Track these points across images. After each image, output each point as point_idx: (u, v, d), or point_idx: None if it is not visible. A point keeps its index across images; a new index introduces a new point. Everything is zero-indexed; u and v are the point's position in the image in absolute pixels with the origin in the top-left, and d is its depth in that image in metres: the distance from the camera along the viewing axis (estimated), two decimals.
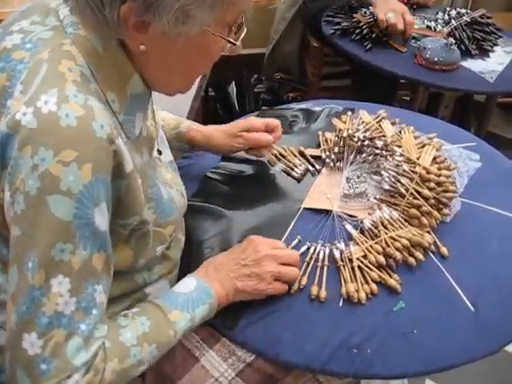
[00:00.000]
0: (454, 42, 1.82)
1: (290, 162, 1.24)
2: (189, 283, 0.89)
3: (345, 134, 1.21)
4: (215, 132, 1.20)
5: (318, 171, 1.22)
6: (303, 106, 1.45)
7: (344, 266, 0.99)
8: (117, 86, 0.77)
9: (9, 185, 0.69)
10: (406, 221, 1.07)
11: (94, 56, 0.75)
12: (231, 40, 0.80)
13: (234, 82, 2.54)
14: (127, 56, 0.78)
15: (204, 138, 1.19)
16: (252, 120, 1.21)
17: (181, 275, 0.95)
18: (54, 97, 0.69)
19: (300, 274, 0.98)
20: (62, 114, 0.68)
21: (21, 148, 0.67)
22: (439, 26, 1.97)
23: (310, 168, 1.23)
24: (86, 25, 0.76)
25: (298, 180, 1.20)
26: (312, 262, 1.00)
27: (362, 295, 0.94)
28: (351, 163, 1.20)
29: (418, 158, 1.13)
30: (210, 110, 2.47)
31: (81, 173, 0.68)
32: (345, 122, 1.29)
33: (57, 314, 0.69)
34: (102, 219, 0.72)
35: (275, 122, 1.21)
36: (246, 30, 0.82)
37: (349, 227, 1.06)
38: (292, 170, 1.22)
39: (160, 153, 0.97)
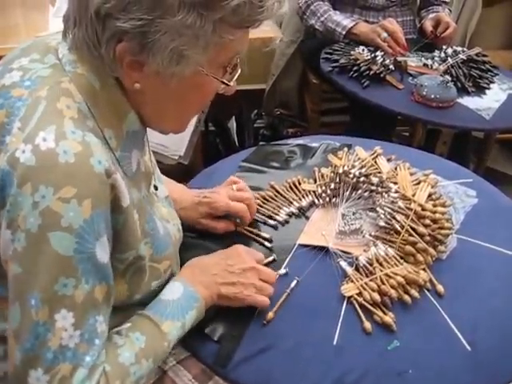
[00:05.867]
0: (450, 79, 1.85)
1: (269, 210, 1.19)
2: (176, 289, 0.90)
3: (340, 171, 1.22)
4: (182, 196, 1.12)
5: (316, 206, 1.22)
6: (300, 141, 1.45)
7: None
8: (113, 123, 0.78)
9: (7, 222, 0.70)
10: (401, 258, 1.06)
11: (91, 93, 0.76)
12: (225, 81, 0.80)
13: (234, 118, 2.56)
14: (124, 94, 0.79)
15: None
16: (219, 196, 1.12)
17: None
18: (52, 134, 0.70)
19: None
20: (60, 151, 0.69)
21: (20, 185, 0.68)
22: (436, 63, 2.00)
23: (295, 211, 1.19)
24: (83, 62, 0.77)
25: (275, 228, 1.16)
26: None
27: None
28: (347, 200, 1.20)
29: (413, 195, 1.14)
30: (210, 144, 2.49)
31: (81, 208, 0.69)
32: (341, 158, 1.29)
33: (61, 349, 0.70)
34: (103, 252, 0.73)
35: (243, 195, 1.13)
36: (240, 70, 0.83)
37: (344, 264, 1.05)
38: (270, 218, 1.17)
39: (156, 188, 0.97)
